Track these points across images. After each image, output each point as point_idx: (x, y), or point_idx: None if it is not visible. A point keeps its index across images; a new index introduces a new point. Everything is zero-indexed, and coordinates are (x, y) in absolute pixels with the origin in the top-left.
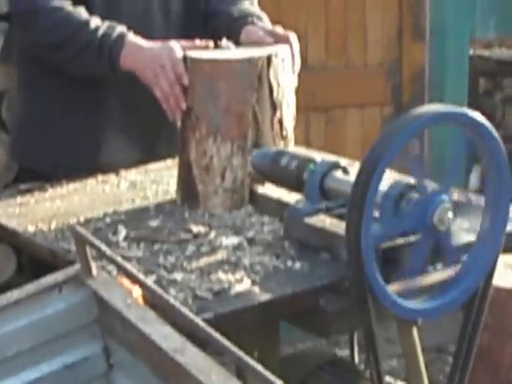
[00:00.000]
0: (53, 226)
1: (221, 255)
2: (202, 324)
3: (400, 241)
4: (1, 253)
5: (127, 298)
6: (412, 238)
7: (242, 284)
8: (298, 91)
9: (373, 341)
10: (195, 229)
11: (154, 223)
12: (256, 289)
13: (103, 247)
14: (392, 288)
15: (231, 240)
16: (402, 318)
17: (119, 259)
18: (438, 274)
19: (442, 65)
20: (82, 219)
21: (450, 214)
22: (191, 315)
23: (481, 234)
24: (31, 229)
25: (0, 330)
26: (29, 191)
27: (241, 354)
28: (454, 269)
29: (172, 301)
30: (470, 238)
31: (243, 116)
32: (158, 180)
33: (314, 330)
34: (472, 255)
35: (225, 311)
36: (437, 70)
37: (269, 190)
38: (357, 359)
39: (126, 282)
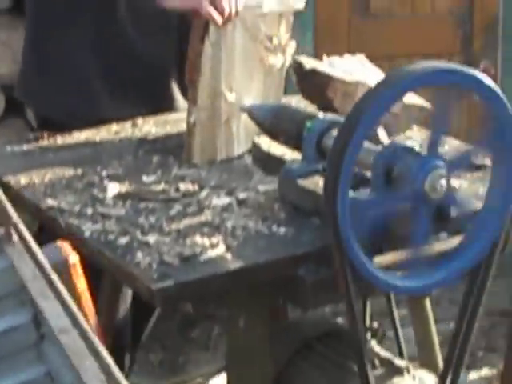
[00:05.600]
0: (46, 179)
1: (205, 217)
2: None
3: (392, 208)
4: None
5: (36, 268)
6: (404, 207)
7: (215, 249)
8: (359, 39)
9: (353, 315)
10: (187, 187)
11: (149, 179)
12: (229, 255)
13: (10, 211)
14: (379, 260)
15: (221, 200)
16: (388, 292)
17: (21, 226)
18: (437, 245)
19: None
20: (79, 172)
21: (444, 181)
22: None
23: (486, 202)
24: (24, 181)
25: None
26: (36, 140)
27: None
28: (457, 239)
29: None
30: (475, 205)
31: None
32: (172, 133)
33: (292, 300)
34: (476, 224)
35: (187, 279)
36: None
37: (274, 145)
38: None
39: (66, 246)
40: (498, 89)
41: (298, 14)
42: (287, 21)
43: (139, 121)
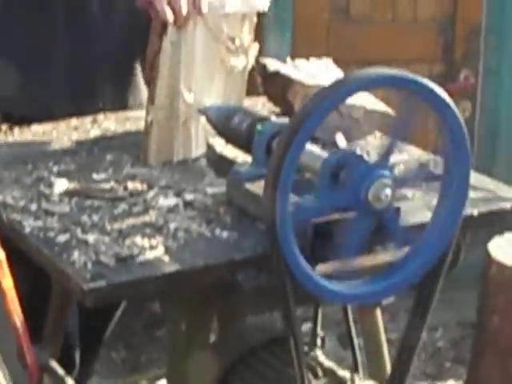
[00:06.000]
0: None
1: (149, 217)
2: None
3: (334, 216)
4: None
5: None
6: (348, 215)
7: (153, 251)
8: (338, 43)
9: (291, 326)
10: (136, 186)
11: (99, 176)
12: (166, 258)
13: None
14: (321, 269)
15: (168, 201)
16: (333, 302)
17: None
18: (381, 256)
19: (501, 22)
20: (30, 167)
21: (389, 191)
22: None
23: (435, 214)
24: None
25: None
26: None
27: None
28: (402, 250)
29: None
30: (424, 217)
31: None
32: (132, 130)
33: (230, 307)
34: (423, 236)
35: (120, 280)
36: (494, 28)
37: (228, 147)
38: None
39: None
40: (448, 99)
41: (276, 15)
42: (250, 22)
43: (100, 117)
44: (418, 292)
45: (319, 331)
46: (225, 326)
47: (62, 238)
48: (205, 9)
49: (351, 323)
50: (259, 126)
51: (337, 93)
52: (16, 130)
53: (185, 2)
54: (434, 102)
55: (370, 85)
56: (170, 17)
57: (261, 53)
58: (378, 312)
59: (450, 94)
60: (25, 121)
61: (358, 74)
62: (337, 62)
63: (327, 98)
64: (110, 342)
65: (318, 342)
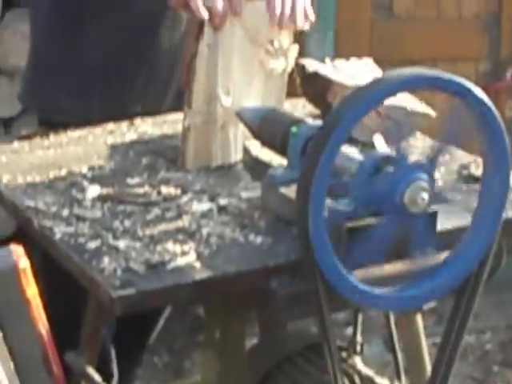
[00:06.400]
0: (29, 178)
1: (182, 222)
2: None
3: (370, 220)
4: None
5: None
6: (383, 219)
7: (185, 257)
8: (381, 41)
9: (325, 333)
10: (169, 191)
11: (133, 181)
12: (198, 264)
13: None
14: (359, 274)
15: (202, 206)
16: (372, 308)
17: None
18: (419, 261)
19: None
20: (63, 172)
21: (426, 195)
22: None
23: (475, 217)
24: (6, 179)
25: None
26: (28, 137)
27: None
28: (441, 255)
29: None
30: (463, 221)
31: None
32: (169, 134)
33: (265, 314)
34: (463, 240)
35: (149, 288)
36: None
37: (264, 150)
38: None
39: (18, 250)
40: (486, 98)
41: (318, 13)
42: None
43: (137, 120)
44: (458, 297)
45: (359, 338)
46: (266, 332)
47: (93, 244)
48: (241, 8)
49: (393, 328)
50: (294, 129)
51: (372, 94)
52: (51, 134)
53: (220, 0)
54: (472, 101)
55: (405, 86)
56: (205, 15)
57: (303, 53)
58: (419, 317)
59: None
60: (62, 126)
61: (392, 74)
62: (380, 60)
63: (361, 100)
64: (152, 346)
65: (358, 348)
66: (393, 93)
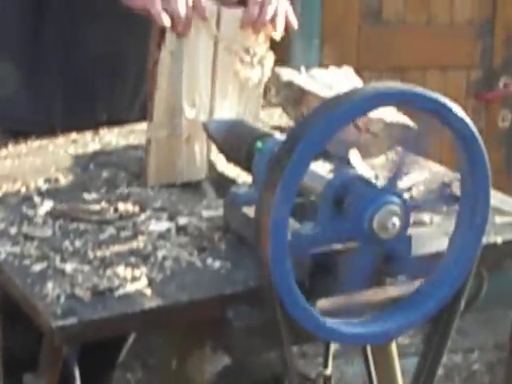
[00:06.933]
0: None
1: (137, 243)
2: None
3: (337, 246)
4: None
5: None
6: (352, 245)
7: (135, 283)
8: (369, 48)
9: (286, 367)
10: (127, 208)
11: (90, 196)
12: (148, 291)
13: None
14: (321, 304)
15: (160, 225)
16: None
17: None
18: (391, 289)
19: None
20: (18, 185)
21: (397, 220)
22: None
23: (451, 243)
24: None
25: None
26: None
27: None
28: (415, 283)
29: None
30: (440, 245)
31: None
32: (134, 144)
33: (221, 346)
34: (439, 268)
35: (94, 317)
36: None
37: (231, 166)
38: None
39: None
40: (462, 113)
41: (303, 19)
42: None
43: (103, 130)
44: (432, 329)
45: (329, 370)
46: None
47: (38, 266)
48: (207, 12)
49: (369, 355)
50: (259, 144)
51: (336, 113)
52: (10, 143)
53: (183, 5)
54: (447, 117)
55: (373, 105)
56: (166, 22)
57: (287, 61)
58: (393, 346)
59: (489, 103)
60: (23, 135)
61: (361, 91)
62: (368, 68)
63: (326, 116)
64: (125, 361)
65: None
66: (360, 112)
